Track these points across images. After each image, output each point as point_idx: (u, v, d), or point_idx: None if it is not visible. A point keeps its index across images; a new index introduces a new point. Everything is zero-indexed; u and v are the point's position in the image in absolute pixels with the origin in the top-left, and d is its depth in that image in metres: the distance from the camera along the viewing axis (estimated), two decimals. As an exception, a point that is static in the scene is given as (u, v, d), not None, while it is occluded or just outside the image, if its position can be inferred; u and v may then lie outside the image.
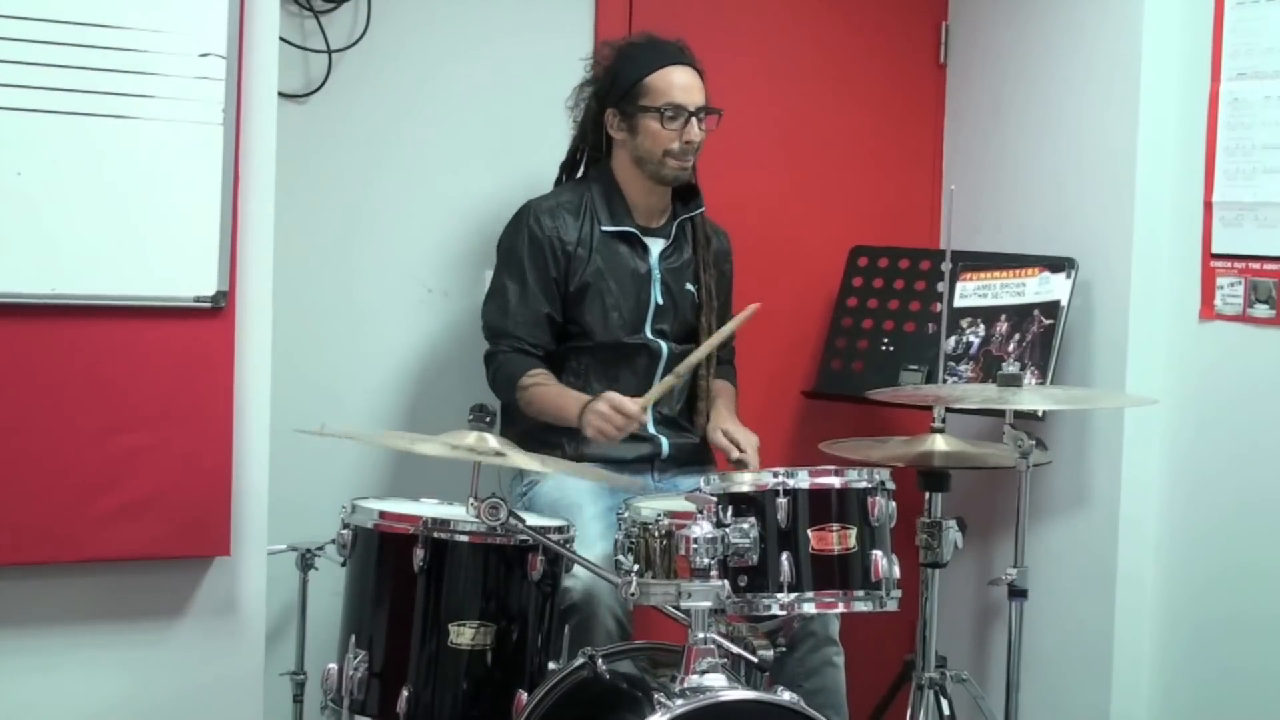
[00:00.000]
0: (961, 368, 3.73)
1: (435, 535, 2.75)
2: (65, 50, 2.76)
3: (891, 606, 2.78)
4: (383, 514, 2.83)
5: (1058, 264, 3.68)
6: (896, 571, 2.78)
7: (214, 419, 2.93)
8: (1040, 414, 3.59)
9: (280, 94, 3.09)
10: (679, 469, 3.41)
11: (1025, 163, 3.94)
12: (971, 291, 3.79)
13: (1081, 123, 3.76)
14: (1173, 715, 3.64)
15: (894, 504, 2.81)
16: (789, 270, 4.06)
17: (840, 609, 2.80)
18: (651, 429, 3.39)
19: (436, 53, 3.68)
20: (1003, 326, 3.71)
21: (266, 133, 2.99)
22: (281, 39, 3.09)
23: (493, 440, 2.67)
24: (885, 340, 3.86)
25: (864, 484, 2.78)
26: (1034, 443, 3.11)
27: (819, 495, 2.74)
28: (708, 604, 2.52)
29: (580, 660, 2.72)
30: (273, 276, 3.02)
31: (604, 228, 3.41)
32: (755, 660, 2.64)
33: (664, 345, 3.44)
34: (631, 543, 2.79)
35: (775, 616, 2.82)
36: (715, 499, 2.63)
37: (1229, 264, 3.49)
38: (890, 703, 3.54)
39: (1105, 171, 3.68)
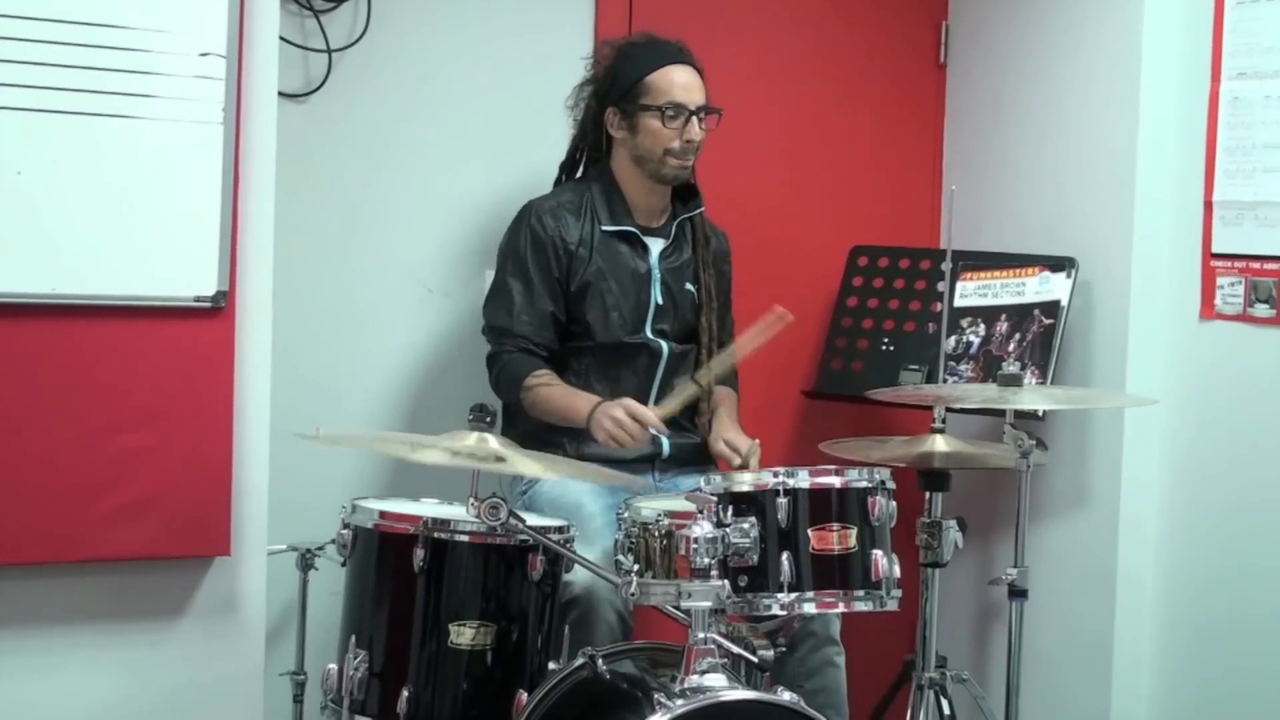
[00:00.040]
0: (961, 367, 3.73)
1: (435, 535, 2.75)
2: (66, 50, 2.76)
3: (892, 606, 2.78)
4: (383, 514, 2.82)
5: (1058, 264, 3.68)
6: (897, 571, 2.78)
7: (214, 419, 2.93)
8: (1040, 414, 3.59)
9: (280, 94, 3.09)
10: (680, 469, 3.41)
11: (1025, 163, 3.94)
12: (971, 291, 3.79)
13: (1081, 123, 3.76)
14: (1173, 715, 3.64)
15: (894, 504, 2.81)
16: (789, 270, 4.06)
17: (840, 609, 2.80)
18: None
19: (436, 53, 3.68)
20: (1003, 326, 3.71)
21: (266, 132, 2.99)
22: (281, 38, 3.09)
23: (493, 441, 2.66)
24: (885, 340, 3.86)
25: (864, 484, 2.78)
26: (1034, 443, 3.11)
27: (819, 495, 2.75)
28: (708, 604, 2.52)
29: (580, 660, 2.72)
30: (273, 276, 3.02)
31: (604, 227, 3.41)
32: (755, 660, 2.64)
33: (664, 345, 3.44)
34: (632, 542, 2.79)
35: (775, 616, 2.82)
36: (715, 499, 2.63)
37: (1229, 264, 3.49)
38: (890, 703, 3.54)
39: (1105, 171, 3.68)
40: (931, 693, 3.21)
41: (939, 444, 3.11)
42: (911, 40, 4.20)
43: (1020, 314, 3.69)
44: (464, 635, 2.72)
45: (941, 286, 3.68)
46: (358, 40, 3.57)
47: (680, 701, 2.44)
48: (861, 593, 2.75)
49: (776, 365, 4.00)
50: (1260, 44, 3.43)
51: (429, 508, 2.94)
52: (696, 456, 3.46)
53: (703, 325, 3.49)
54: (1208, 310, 3.54)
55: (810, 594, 2.72)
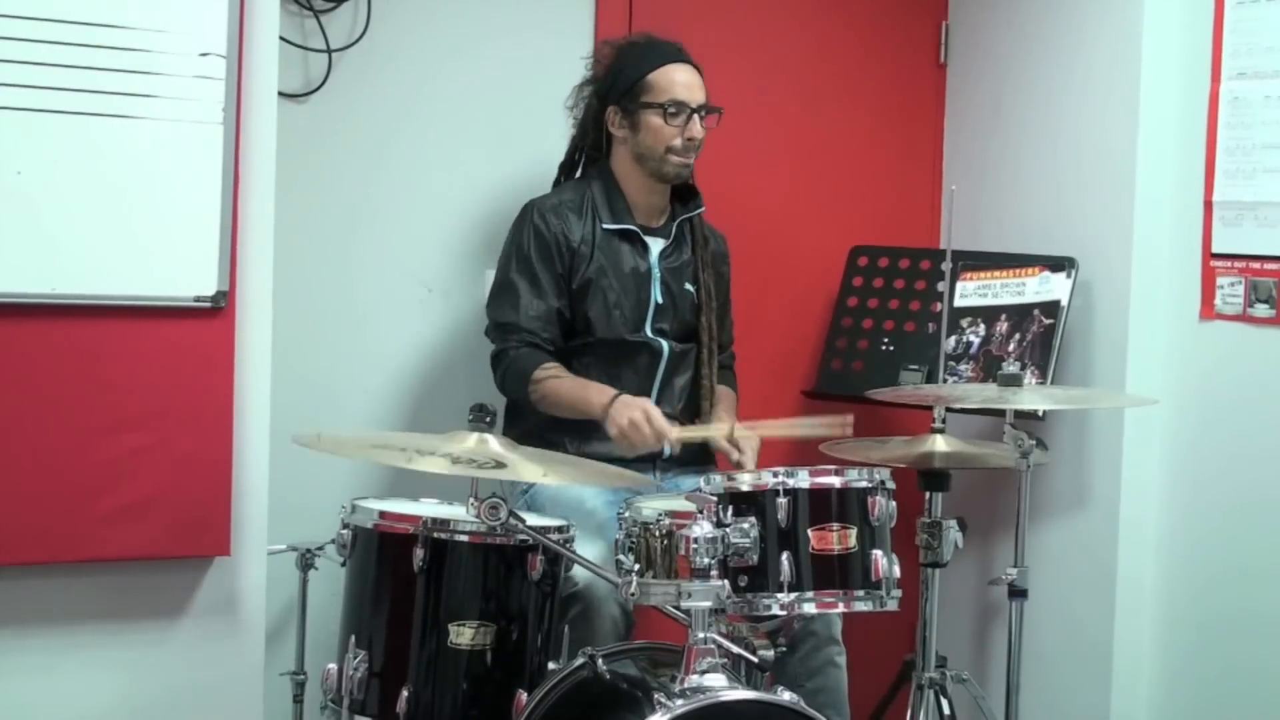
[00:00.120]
0: (961, 367, 3.73)
1: (435, 535, 2.74)
2: (66, 50, 2.76)
3: (892, 606, 2.77)
4: (383, 514, 2.82)
5: (1058, 264, 3.68)
6: (897, 571, 2.78)
7: (214, 419, 2.93)
8: (1040, 414, 3.59)
9: (280, 94, 3.09)
10: (681, 468, 3.41)
11: (1025, 163, 3.94)
12: (971, 291, 3.79)
13: (1081, 123, 3.76)
14: (1173, 715, 3.64)
15: (894, 504, 2.80)
16: (789, 270, 4.06)
17: (840, 609, 2.80)
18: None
19: (436, 53, 3.68)
20: (1003, 326, 3.71)
21: (266, 132, 2.99)
22: (281, 39, 3.09)
23: (494, 442, 2.66)
24: (885, 340, 3.86)
25: (864, 484, 2.78)
26: (1034, 443, 3.11)
27: (819, 495, 2.74)
28: (708, 604, 2.51)
29: (580, 660, 2.72)
30: (273, 276, 3.02)
31: (605, 225, 3.41)
32: (755, 660, 2.63)
33: (665, 344, 3.44)
34: (632, 542, 2.79)
35: (775, 616, 2.82)
36: (715, 499, 2.63)
37: (1229, 264, 3.49)
38: (890, 703, 3.54)
39: (1105, 171, 3.68)
40: (931, 693, 3.21)
41: (939, 444, 3.11)
42: (911, 40, 4.20)
43: (1020, 314, 3.69)
44: (464, 635, 2.72)
45: (941, 286, 3.68)
46: (358, 40, 3.57)
47: (680, 701, 2.43)
48: (861, 593, 2.75)
49: (776, 365, 4.00)
50: (1260, 44, 3.43)
51: (429, 508, 2.94)
52: (698, 456, 3.46)
53: (702, 325, 3.49)
54: (1208, 310, 3.54)
55: (810, 594, 2.71)
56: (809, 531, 2.72)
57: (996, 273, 3.78)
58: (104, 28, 2.79)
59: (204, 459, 2.92)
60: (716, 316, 3.53)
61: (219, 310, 2.91)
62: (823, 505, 2.74)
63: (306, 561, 3.34)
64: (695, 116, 3.37)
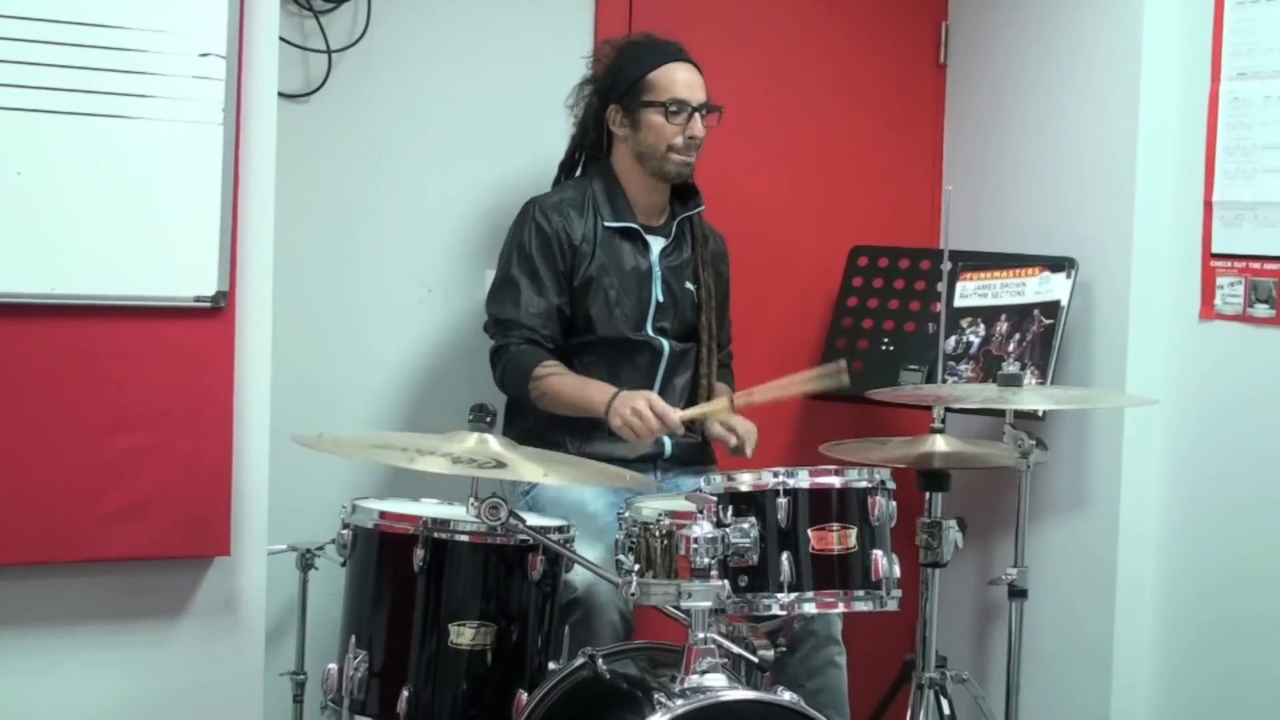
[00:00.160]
0: (961, 368, 3.73)
1: (435, 535, 2.74)
2: (65, 50, 2.76)
3: (892, 606, 2.77)
4: (383, 514, 2.82)
5: (1058, 264, 3.68)
6: (897, 571, 2.78)
7: (214, 419, 2.93)
8: (1040, 414, 3.59)
9: (280, 94, 3.09)
10: (682, 468, 3.41)
11: (1025, 163, 3.94)
12: (971, 291, 3.79)
13: (1081, 123, 3.76)
14: (1172, 715, 3.64)
15: (894, 504, 2.81)
16: (789, 270, 4.06)
17: (840, 609, 2.80)
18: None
19: (436, 53, 3.68)
20: (1003, 326, 3.71)
21: (266, 133, 2.99)
22: (281, 39, 3.09)
23: (494, 442, 2.66)
24: (885, 340, 3.86)
25: (864, 484, 2.78)
26: (1034, 443, 3.11)
27: (819, 495, 2.74)
28: (708, 604, 2.52)
29: (580, 660, 2.72)
30: (273, 276, 3.02)
31: (607, 223, 3.41)
32: (755, 660, 2.63)
33: (665, 343, 3.44)
34: (632, 542, 2.79)
35: (775, 616, 2.82)
36: (715, 499, 2.63)
37: (1229, 264, 3.49)
38: (890, 703, 3.54)
39: (1105, 171, 3.68)
40: (931, 693, 3.21)
41: (939, 444, 3.11)
42: (911, 40, 4.20)
43: (1020, 314, 3.69)
44: (464, 635, 2.72)
45: (941, 287, 3.68)
46: (358, 40, 3.57)
47: (680, 701, 2.43)
48: (861, 593, 2.75)
49: (776, 365, 3.99)
50: (1260, 44, 3.43)
51: (429, 508, 2.94)
52: (699, 456, 3.46)
53: (702, 324, 3.49)
54: (1208, 310, 3.54)
55: (810, 594, 2.71)
56: (809, 531, 2.72)
57: (996, 273, 3.78)
58: (104, 28, 2.79)
59: (204, 459, 2.92)
60: (716, 315, 3.53)
61: (219, 310, 2.91)
62: (823, 505, 2.74)
63: (306, 561, 3.34)
64: (697, 115, 3.38)
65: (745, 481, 2.74)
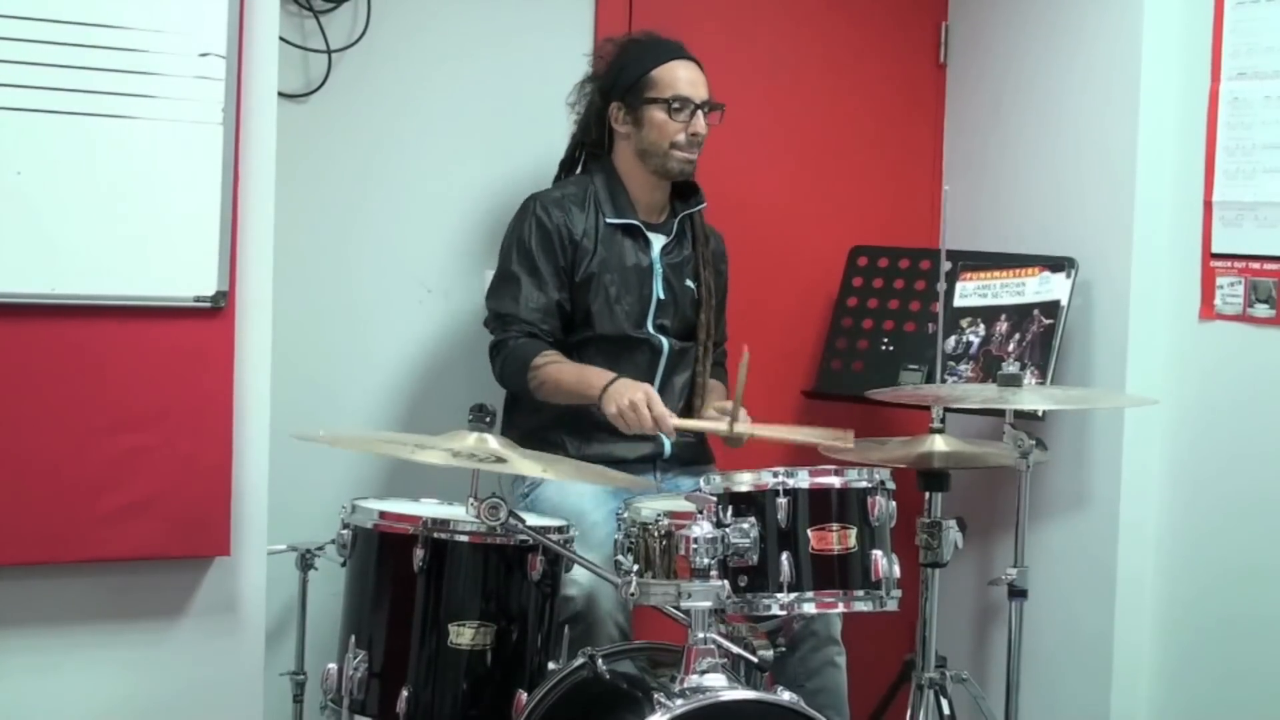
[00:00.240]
0: (961, 368, 3.73)
1: (435, 535, 2.75)
2: (66, 50, 2.76)
3: (891, 606, 2.77)
4: (383, 514, 2.83)
5: (1058, 264, 3.68)
6: (896, 571, 2.78)
7: (214, 419, 2.93)
8: (1040, 414, 3.59)
9: (280, 94, 3.10)
10: (681, 468, 3.41)
11: (1025, 163, 3.94)
12: (971, 291, 3.79)
13: (1081, 123, 3.76)
14: (1172, 715, 3.64)
15: (894, 504, 2.81)
16: (789, 270, 4.06)
17: (840, 609, 2.80)
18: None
19: (436, 53, 3.68)
20: (1003, 326, 3.71)
21: (266, 133, 2.99)
22: (281, 39, 3.09)
23: (493, 441, 2.66)
24: (885, 340, 3.86)
25: (864, 484, 2.78)
26: (1034, 442, 3.11)
27: (819, 495, 2.74)
28: (708, 604, 2.52)
29: (580, 660, 2.72)
30: (273, 276, 3.02)
31: (608, 219, 3.41)
32: (755, 660, 2.64)
33: (665, 341, 3.44)
34: (631, 543, 2.79)
35: (775, 616, 2.82)
36: (715, 499, 2.63)
37: (1229, 264, 3.49)
38: (890, 703, 3.54)
39: (1105, 171, 3.68)
40: (931, 693, 3.21)
41: (939, 444, 3.11)
42: (911, 40, 4.20)
43: (1020, 314, 3.69)
44: (464, 635, 2.72)
45: (941, 287, 3.68)
46: (358, 40, 3.57)
47: (680, 701, 2.44)
48: (861, 593, 2.75)
49: (776, 365, 4.00)
50: (1260, 44, 3.43)
51: (429, 508, 2.94)
52: (698, 456, 3.46)
53: (701, 322, 3.49)
54: (1207, 310, 3.54)
55: (810, 594, 2.71)
56: (809, 531, 2.72)
57: (996, 273, 3.78)
58: (104, 28, 2.79)
59: (204, 459, 2.92)
60: (715, 314, 3.53)
61: (219, 310, 2.91)
62: (822, 505, 2.74)
63: (306, 561, 3.33)
64: (699, 112, 3.38)
65: (745, 482, 2.74)
